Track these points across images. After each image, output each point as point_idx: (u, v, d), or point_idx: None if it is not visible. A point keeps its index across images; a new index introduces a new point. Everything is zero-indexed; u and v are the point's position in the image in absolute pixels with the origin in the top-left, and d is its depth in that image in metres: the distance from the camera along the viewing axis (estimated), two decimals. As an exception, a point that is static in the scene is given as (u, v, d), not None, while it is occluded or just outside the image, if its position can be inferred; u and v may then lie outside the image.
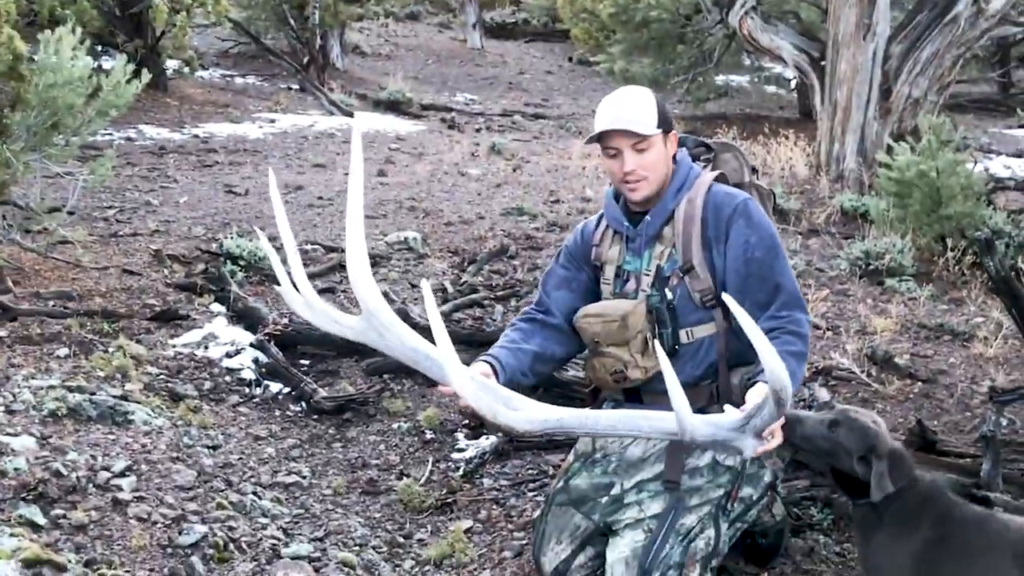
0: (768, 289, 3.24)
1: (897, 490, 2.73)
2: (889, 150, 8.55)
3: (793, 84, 19.23)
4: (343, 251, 7.41)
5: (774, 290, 3.25)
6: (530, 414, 2.71)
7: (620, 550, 3.17)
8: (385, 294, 6.15)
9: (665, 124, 3.28)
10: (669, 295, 3.29)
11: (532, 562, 3.51)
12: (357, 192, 2.72)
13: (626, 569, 3.13)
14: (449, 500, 4.27)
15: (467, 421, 4.96)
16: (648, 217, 3.35)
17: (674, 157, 3.40)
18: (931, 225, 7.83)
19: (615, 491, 3.31)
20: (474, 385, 2.71)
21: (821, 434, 2.79)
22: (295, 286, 2.97)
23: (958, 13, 10.62)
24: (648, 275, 3.34)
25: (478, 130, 15.85)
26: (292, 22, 19.32)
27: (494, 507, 4.21)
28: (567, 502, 3.41)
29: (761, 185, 3.65)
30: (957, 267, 7.58)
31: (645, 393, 3.37)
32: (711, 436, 2.62)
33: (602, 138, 3.26)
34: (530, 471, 4.52)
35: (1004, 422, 4.74)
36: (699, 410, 2.92)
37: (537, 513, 3.73)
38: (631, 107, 3.23)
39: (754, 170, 3.66)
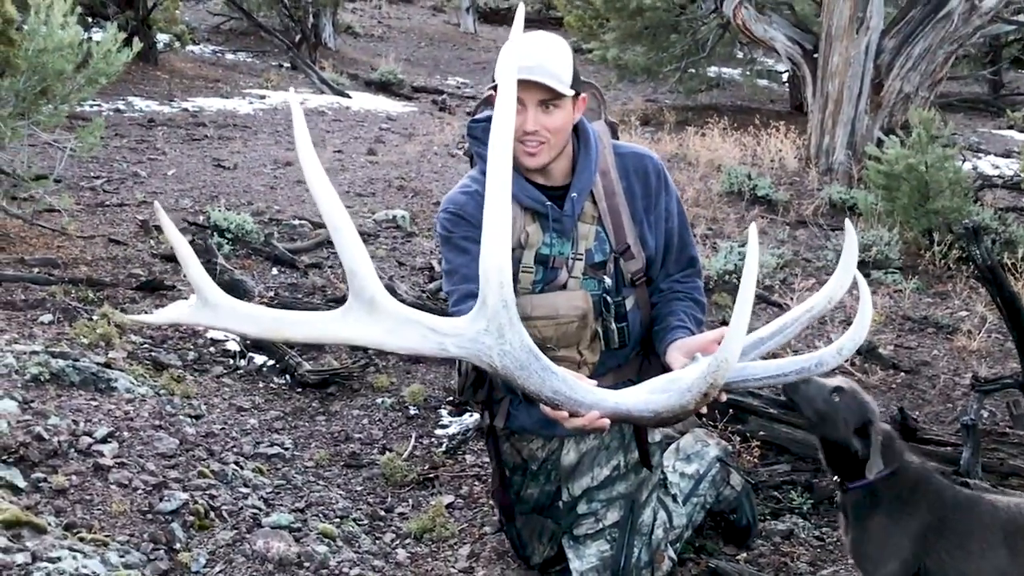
0: (682, 261, 3.17)
1: (891, 472, 2.74)
2: (879, 143, 8.59)
3: (785, 78, 19.23)
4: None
5: (688, 262, 3.18)
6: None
7: (588, 560, 3.13)
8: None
9: (577, 85, 2.88)
10: (610, 282, 3.05)
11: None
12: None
13: None
14: (431, 475, 4.27)
15: (451, 397, 4.96)
16: (574, 194, 2.97)
17: (575, 126, 3.00)
18: (918, 219, 7.85)
19: (565, 497, 3.22)
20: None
21: (823, 397, 2.77)
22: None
23: (951, 9, 10.64)
24: (579, 260, 3.01)
25: (468, 113, 15.75)
26: (285, 0, 19.23)
27: (476, 483, 4.21)
28: (529, 510, 3.36)
29: (612, 121, 3.27)
30: (943, 261, 7.62)
31: None
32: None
33: None
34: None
35: (984, 413, 4.77)
36: (630, 382, 2.77)
37: (496, 516, 3.65)
38: (549, 58, 2.78)
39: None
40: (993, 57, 20.02)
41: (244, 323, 2.23)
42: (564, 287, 3.00)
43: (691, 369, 2.39)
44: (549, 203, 2.96)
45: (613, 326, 3.05)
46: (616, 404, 2.32)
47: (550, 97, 2.79)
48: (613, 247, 3.02)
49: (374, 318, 2.21)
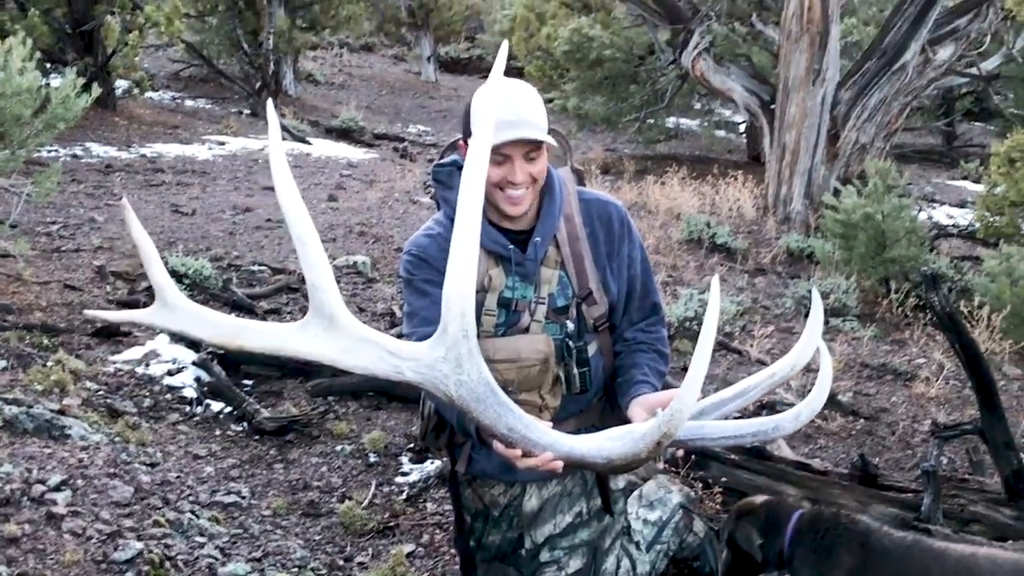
0: (645, 308, 3.13)
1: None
2: (836, 192, 8.70)
3: (742, 128, 19.49)
4: (290, 273, 7.41)
5: (651, 309, 3.14)
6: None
7: None
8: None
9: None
10: (572, 327, 3.01)
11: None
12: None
13: None
14: (391, 524, 4.21)
15: (411, 444, 4.92)
16: (538, 238, 2.94)
17: None
18: (875, 267, 7.94)
19: (528, 544, 3.18)
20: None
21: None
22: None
23: (906, 62, 10.85)
24: (542, 304, 2.98)
25: (431, 160, 15.83)
26: (246, 47, 19.25)
27: (437, 531, 4.16)
28: (492, 558, 3.32)
29: (578, 167, 3.26)
30: (900, 309, 7.69)
31: None
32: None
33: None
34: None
35: (944, 460, 4.80)
36: (592, 428, 2.89)
37: (457, 566, 3.59)
38: (529, 110, 2.77)
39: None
40: (946, 109, 20.42)
41: (202, 327, 2.20)
42: (526, 331, 2.98)
43: (648, 420, 2.37)
44: (512, 247, 2.94)
45: (575, 371, 3.02)
46: (571, 448, 2.31)
47: (534, 149, 2.79)
48: (575, 292, 3.01)
49: (331, 335, 2.19)
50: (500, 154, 2.75)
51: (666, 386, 3.01)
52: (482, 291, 2.95)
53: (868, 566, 2.88)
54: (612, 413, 3.10)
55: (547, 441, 2.30)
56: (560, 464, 2.32)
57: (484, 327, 2.95)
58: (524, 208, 2.87)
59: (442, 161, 3.05)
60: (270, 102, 2.14)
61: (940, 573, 2.74)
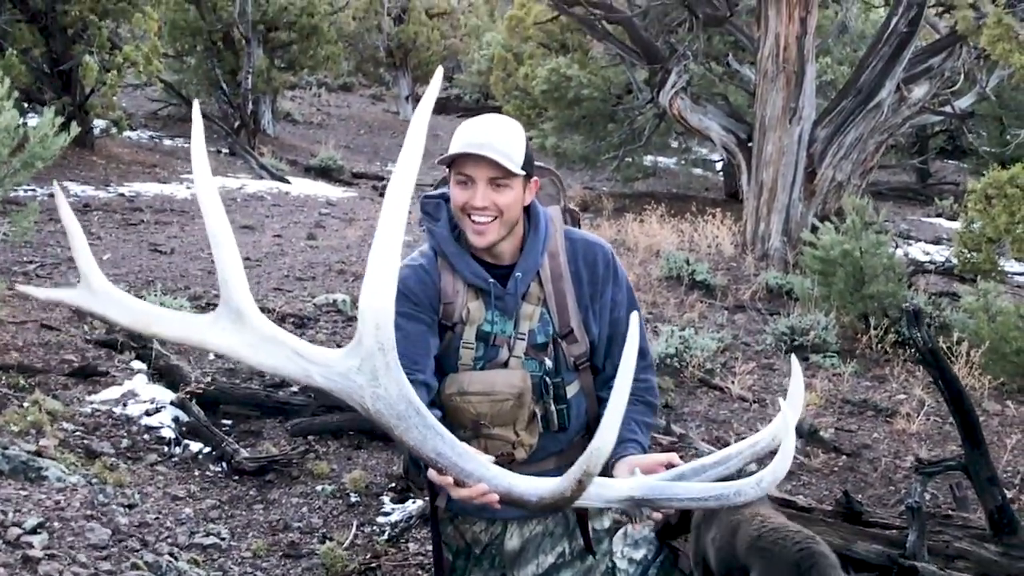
0: None
1: None
2: (814, 229, 8.74)
3: (719, 166, 19.64)
4: (271, 311, 7.37)
5: (638, 355, 3.14)
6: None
7: None
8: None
9: (528, 167, 2.85)
10: (551, 363, 3.00)
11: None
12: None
13: None
14: (373, 565, 4.17)
15: (393, 484, 4.87)
16: (519, 274, 2.93)
17: (526, 208, 2.97)
18: (854, 304, 7.97)
19: None
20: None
21: None
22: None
23: (881, 100, 10.97)
24: (522, 339, 2.98)
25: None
26: (224, 86, 19.31)
27: (419, 572, 4.11)
28: None
29: (573, 209, 3.29)
30: (880, 345, 7.72)
31: (524, 465, 3.03)
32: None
33: (456, 161, 2.80)
34: (456, 537, 4.44)
35: (927, 496, 4.79)
36: None
37: None
38: (501, 137, 2.77)
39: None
40: (920, 147, 20.65)
41: (118, 311, 2.19)
42: (505, 365, 2.98)
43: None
44: (492, 280, 2.94)
45: (552, 407, 3.01)
46: (509, 485, 2.29)
47: (499, 175, 2.77)
48: (556, 329, 3.00)
49: (239, 329, 2.17)
50: (463, 174, 2.78)
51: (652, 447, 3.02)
52: (461, 323, 2.96)
53: (709, 524, 3.26)
54: None
55: (482, 474, 2.28)
56: (495, 497, 2.30)
57: (463, 360, 2.96)
58: (489, 239, 2.86)
59: (430, 193, 3.05)
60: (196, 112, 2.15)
61: (746, 527, 3.11)
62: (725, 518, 3.30)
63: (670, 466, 2.66)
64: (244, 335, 2.17)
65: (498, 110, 18.32)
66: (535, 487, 2.28)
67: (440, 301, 2.96)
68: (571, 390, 3.06)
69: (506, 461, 2.95)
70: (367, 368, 2.13)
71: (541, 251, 2.96)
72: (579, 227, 3.26)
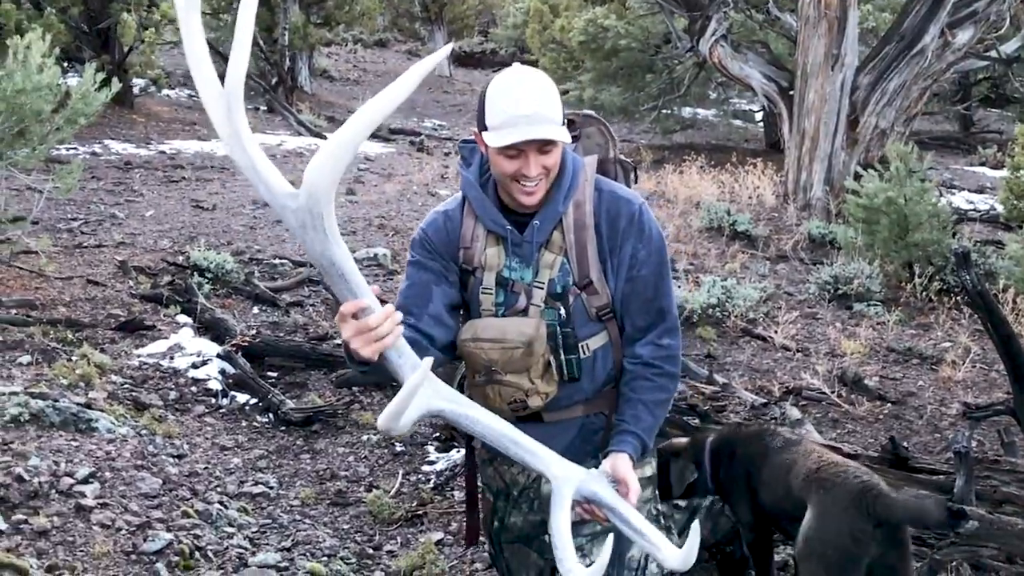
0: (651, 312, 2.97)
1: None
2: (857, 177, 8.62)
3: (759, 117, 19.40)
4: (310, 266, 7.40)
5: (657, 315, 2.98)
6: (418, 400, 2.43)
7: None
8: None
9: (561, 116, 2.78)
10: (564, 313, 2.94)
11: (502, 576, 3.45)
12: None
13: None
14: (419, 512, 4.21)
15: (437, 434, 4.90)
16: (537, 222, 2.88)
17: None
18: (898, 252, 7.88)
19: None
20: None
21: None
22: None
23: (925, 46, 10.76)
24: (540, 288, 2.92)
25: (447, 154, 15.84)
26: (261, 44, 19.27)
27: (465, 519, 4.14)
28: (515, 540, 3.28)
29: (625, 160, 3.26)
30: (924, 293, 7.64)
31: (545, 412, 3.03)
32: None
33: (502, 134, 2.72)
34: (501, 484, 4.47)
35: (974, 441, 4.75)
36: (601, 415, 2.99)
37: (487, 547, 3.57)
38: (545, 102, 2.70)
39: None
40: (963, 95, 20.27)
41: None
42: (525, 313, 2.97)
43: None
44: (510, 228, 2.90)
45: (562, 358, 3.00)
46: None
47: (548, 141, 2.71)
48: (575, 280, 2.97)
49: (226, 113, 2.37)
50: (514, 148, 2.70)
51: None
52: (481, 269, 2.95)
53: (761, 463, 3.40)
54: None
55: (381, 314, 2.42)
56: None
57: (484, 306, 2.96)
58: (539, 196, 2.83)
59: (468, 138, 3.04)
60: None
61: (803, 462, 3.26)
62: (777, 458, 3.37)
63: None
64: (228, 125, 2.36)
65: (534, 64, 18.16)
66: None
67: (460, 247, 2.96)
68: (597, 341, 2.99)
69: (520, 408, 2.95)
70: (299, 217, 2.30)
71: (563, 200, 2.93)
72: (636, 178, 3.23)
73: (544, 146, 2.72)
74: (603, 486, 2.60)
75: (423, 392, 2.45)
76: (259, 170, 2.32)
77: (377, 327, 2.38)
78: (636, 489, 2.68)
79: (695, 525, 2.41)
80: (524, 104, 2.67)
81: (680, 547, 2.46)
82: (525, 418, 3.04)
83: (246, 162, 2.33)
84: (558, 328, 2.95)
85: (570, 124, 3.05)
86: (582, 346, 2.98)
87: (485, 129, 2.73)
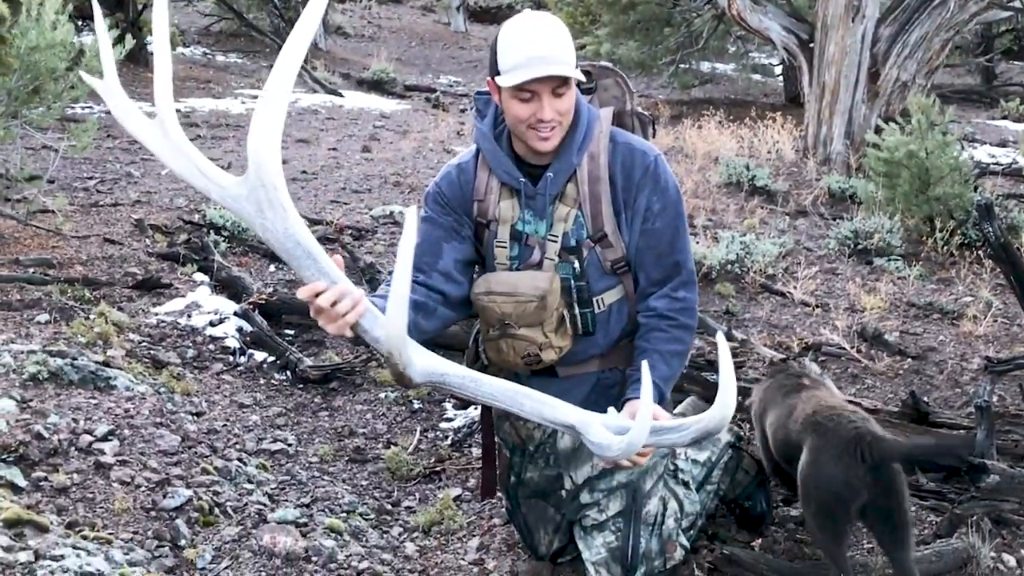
0: (666, 266, 2.97)
1: None
2: (878, 131, 8.53)
3: (778, 71, 19.21)
4: (328, 223, 7.39)
5: (672, 268, 2.97)
6: (421, 364, 2.41)
7: (596, 550, 3.02)
8: (371, 265, 6.10)
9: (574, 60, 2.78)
10: (578, 267, 2.94)
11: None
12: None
13: (608, 571, 2.99)
14: (437, 469, 4.21)
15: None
16: (550, 174, 2.89)
17: None
18: (919, 206, 7.80)
19: (568, 484, 3.11)
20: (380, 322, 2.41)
21: None
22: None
23: (948, -5, 10.60)
24: (554, 241, 2.93)
25: (463, 110, 15.76)
26: (276, 1, 19.16)
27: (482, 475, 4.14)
28: (531, 495, 3.28)
29: (642, 112, 3.21)
30: (945, 248, 7.57)
31: (560, 366, 3.08)
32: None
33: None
34: (519, 441, 4.47)
35: (996, 396, 4.72)
36: (617, 371, 3.01)
37: (505, 502, 3.55)
38: (558, 43, 2.68)
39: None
40: (986, 47, 20.02)
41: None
42: (539, 266, 2.95)
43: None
44: (523, 180, 2.90)
45: (576, 311, 2.98)
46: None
47: (562, 83, 2.71)
48: (589, 233, 2.94)
49: (164, 135, 2.39)
50: (527, 91, 2.69)
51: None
52: (495, 221, 2.96)
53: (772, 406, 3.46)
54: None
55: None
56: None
57: (499, 259, 2.97)
58: (554, 143, 2.82)
59: (483, 89, 3.01)
60: None
61: (802, 407, 3.25)
62: (783, 401, 3.39)
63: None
64: (165, 144, 2.38)
65: (551, 17, 18.00)
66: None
67: (473, 200, 2.97)
68: (613, 295, 3.02)
69: (534, 362, 2.97)
70: (253, 199, 2.28)
71: (577, 151, 2.90)
72: (654, 132, 3.20)
73: (558, 88, 2.71)
74: (623, 419, 2.56)
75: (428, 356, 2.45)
76: (205, 173, 2.33)
77: (335, 306, 2.34)
78: (664, 413, 2.66)
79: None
80: (538, 45, 2.66)
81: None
82: (539, 372, 3.04)
83: (190, 170, 2.35)
84: (572, 282, 2.94)
85: (587, 75, 3.02)
86: (597, 300, 2.98)
87: (498, 74, 2.72)
